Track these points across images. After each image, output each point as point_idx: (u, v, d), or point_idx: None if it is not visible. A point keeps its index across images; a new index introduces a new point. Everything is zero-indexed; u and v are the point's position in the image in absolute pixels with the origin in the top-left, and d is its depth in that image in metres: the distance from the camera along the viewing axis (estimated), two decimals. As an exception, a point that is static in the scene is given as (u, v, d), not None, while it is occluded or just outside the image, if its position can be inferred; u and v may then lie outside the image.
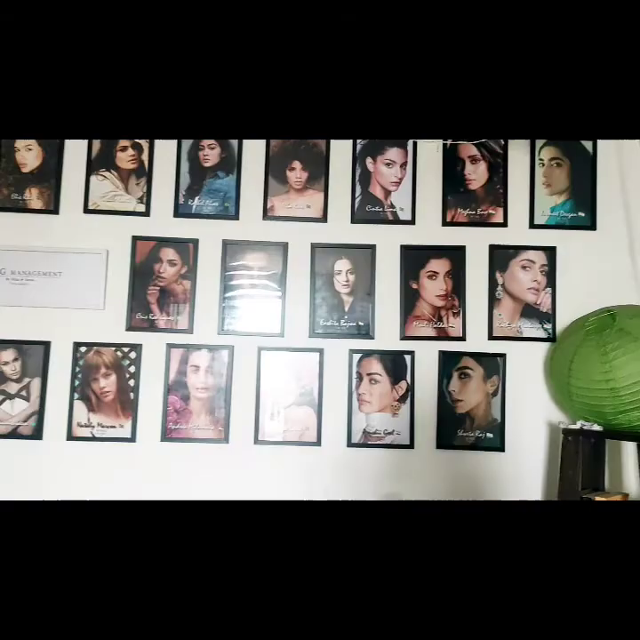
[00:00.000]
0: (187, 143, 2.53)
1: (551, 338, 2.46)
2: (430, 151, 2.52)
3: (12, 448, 2.39)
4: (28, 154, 2.50)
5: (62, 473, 2.39)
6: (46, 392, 2.41)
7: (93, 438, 2.41)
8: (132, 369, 2.45)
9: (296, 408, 2.44)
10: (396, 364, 2.45)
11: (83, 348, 2.44)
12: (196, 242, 2.50)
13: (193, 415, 2.43)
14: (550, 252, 2.51)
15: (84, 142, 2.49)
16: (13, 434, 2.39)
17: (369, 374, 2.45)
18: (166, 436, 2.41)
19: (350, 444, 2.42)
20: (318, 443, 2.42)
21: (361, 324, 2.47)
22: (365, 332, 2.46)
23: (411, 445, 2.42)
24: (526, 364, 2.46)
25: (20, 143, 2.50)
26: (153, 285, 2.48)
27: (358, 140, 2.54)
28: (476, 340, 2.45)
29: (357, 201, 2.53)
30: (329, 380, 2.45)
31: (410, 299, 2.48)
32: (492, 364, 2.44)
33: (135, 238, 2.48)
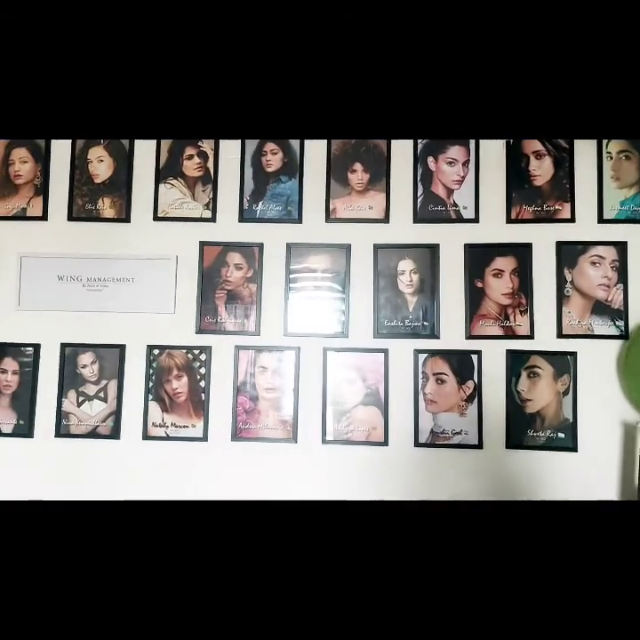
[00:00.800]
0: (250, 149, 2.54)
1: (624, 335, 2.34)
2: (493, 148, 2.47)
3: (92, 447, 2.46)
4: (100, 165, 2.57)
5: (139, 471, 2.45)
6: (123, 393, 2.48)
7: (167, 438, 2.47)
8: (203, 370, 2.49)
9: (362, 408, 2.43)
10: (463, 364, 2.40)
11: (156, 351, 2.50)
12: (260, 246, 2.51)
13: (262, 415, 2.45)
14: (621, 247, 2.39)
15: (153, 152, 2.54)
16: (93, 433, 2.47)
17: (435, 374, 2.41)
18: (237, 435, 2.45)
19: (417, 444, 2.38)
20: (385, 443, 2.40)
21: (426, 323, 2.43)
22: (430, 332, 2.42)
23: (479, 445, 2.36)
24: (598, 363, 2.35)
25: (92, 155, 2.57)
26: (220, 289, 2.51)
27: (419, 140, 2.50)
28: (545, 339, 2.37)
29: (419, 200, 2.48)
30: (394, 380, 2.42)
31: (475, 297, 2.43)
32: (562, 363, 2.36)
33: (202, 243, 2.52)
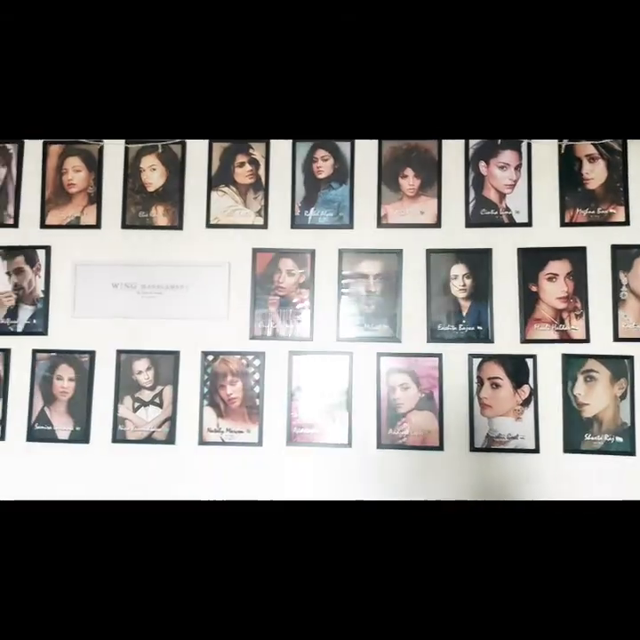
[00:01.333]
0: (301, 156, 2.53)
1: (682, 338, 2.33)
2: (546, 152, 2.44)
3: (148, 452, 2.46)
4: (153, 174, 2.57)
5: (195, 476, 2.44)
6: (178, 399, 2.49)
7: (223, 443, 2.46)
8: (257, 376, 2.48)
9: (417, 413, 2.41)
10: (518, 368, 2.37)
11: (210, 357, 2.49)
12: (312, 252, 2.50)
13: (317, 420, 2.45)
14: (676, 249, 2.37)
15: (205, 160, 2.54)
16: (149, 439, 2.48)
17: (490, 378, 2.38)
18: (291, 440, 2.45)
19: (473, 449, 2.35)
20: (441, 447, 2.37)
21: (479, 328, 2.41)
22: (485, 337, 2.40)
23: (536, 450, 2.33)
24: (657, 366, 2.34)
25: (145, 163, 2.57)
26: (273, 295, 2.50)
27: (471, 144, 2.48)
28: (601, 343, 2.33)
29: (471, 205, 2.45)
30: (449, 385, 2.38)
31: (529, 301, 2.39)
32: (619, 367, 2.32)
33: (255, 250, 2.51)
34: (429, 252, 2.43)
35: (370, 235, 2.48)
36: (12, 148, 2.59)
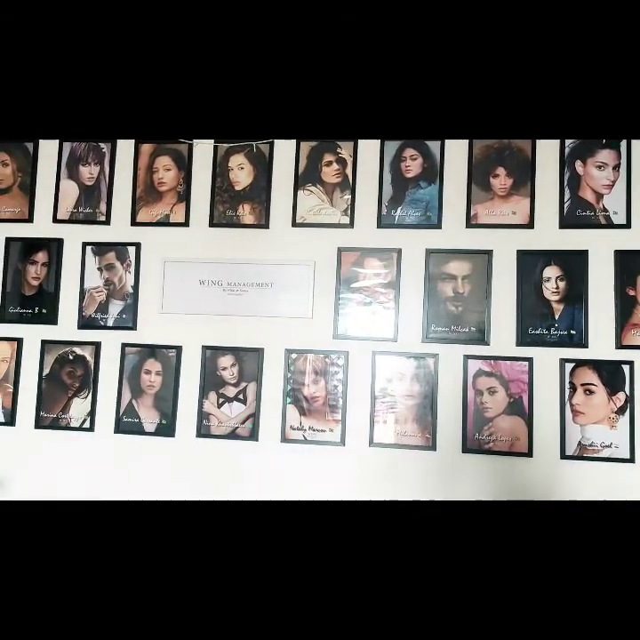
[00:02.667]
0: (389, 155, 2.45)
1: None
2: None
3: (232, 448, 2.42)
4: (241, 172, 2.54)
5: (277, 473, 2.39)
6: (261, 396, 2.46)
7: (305, 441, 2.40)
8: (340, 375, 2.43)
9: (505, 417, 2.30)
10: (613, 375, 2.22)
11: (293, 355, 2.45)
12: (399, 251, 2.41)
13: (400, 421, 2.36)
14: None
15: (292, 159, 2.49)
16: (232, 434, 2.44)
17: (583, 385, 2.25)
18: (374, 441, 2.38)
19: (564, 456, 2.23)
20: (530, 454, 2.24)
21: (573, 332, 2.28)
22: (578, 341, 2.26)
23: (631, 459, 2.19)
24: None
25: (233, 162, 2.54)
26: (358, 294, 2.43)
27: (567, 143, 2.35)
28: None
29: (566, 205, 2.31)
30: (539, 390, 2.26)
31: (626, 305, 2.24)
32: None
33: (340, 249, 2.45)
34: (521, 253, 2.32)
35: (459, 235, 2.37)
36: (105, 147, 2.60)
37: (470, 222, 2.36)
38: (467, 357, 2.31)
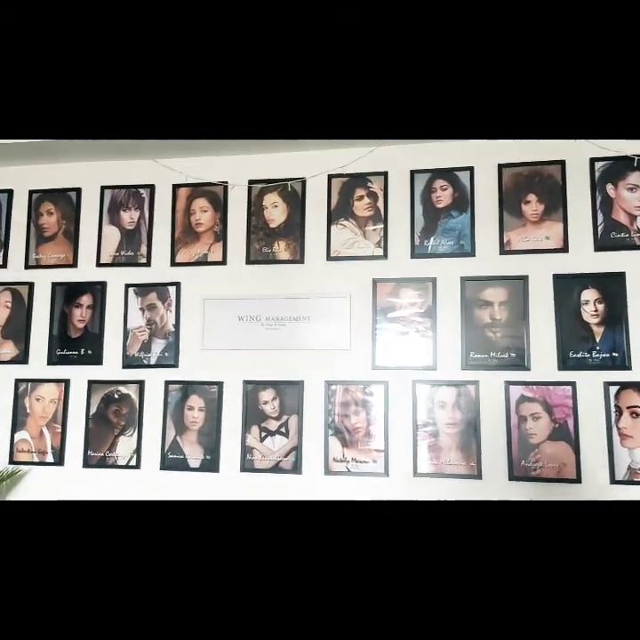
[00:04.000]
0: (419, 187, 2.42)
1: None
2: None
3: (275, 482, 2.38)
4: (275, 210, 2.55)
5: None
6: (303, 428, 2.42)
7: (348, 473, 2.35)
8: (381, 406, 2.38)
9: (550, 443, 2.22)
10: (660, 396, 2.17)
11: (333, 387, 2.42)
12: (434, 280, 2.39)
13: (443, 451, 2.30)
14: None
15: (324, 196, 2.48)
16: (276, 468, 2.40)
17: (629, 407, 2.15)
18: (418, 471, 2.31)
19: (614, 481, 2.13)
20: (578, 479, 2.16)
21: (615, 354, 2.20)
22: (621, 364, 2.18)
23: (685, 483, 2.11)
24: None
25: (267, 201, 2.54)
26: (395, 324, 2.41)
27: (597, 167, 2.31)
28: None
29: (600, 228, 2.26)
30: (584, 414, 2.18)
31: (669, 326, 2.20)
32: None
33: (375, 280, 2.43)
34: (557, 277, 2.27)
35: (493, 262, 2.33)
36: (144, 192, 2.65)
37: (504, 249, 2.32)
38: (508, 383, 2.25)
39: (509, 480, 2.20)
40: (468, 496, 2.21)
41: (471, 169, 2.38)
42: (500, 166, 2.36)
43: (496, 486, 2.20)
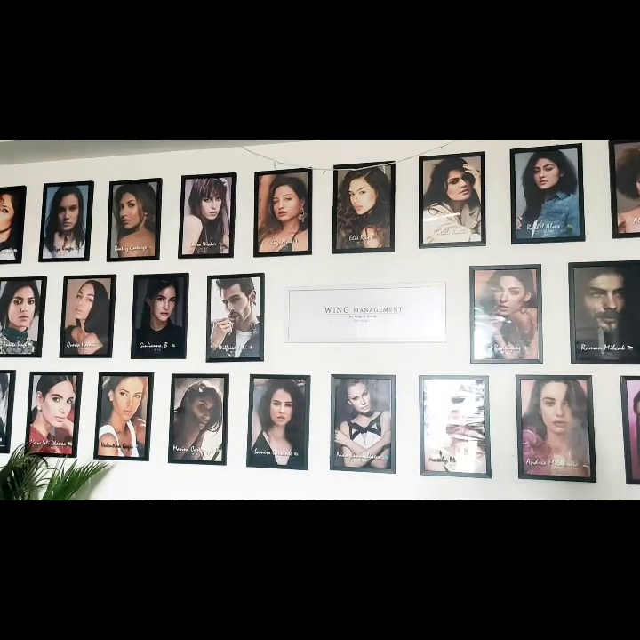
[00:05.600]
0: (520, 168, 2.22)
1: None
2: None
3: (368, 480, 2.23)
4: (362, 196, 2.36)
5: (417, 507, 2.21)
6: (396, 425, 2.26)
7: (446, 473, 2.18)
8: (481, 402, 2.20)
9: (676, 444, 2.00)
10: None
11: (427, 381, 2.25)
12: (538, 267, 2.16)
13: (552, 451, 2.10)
14: None
15: (415, 179, 2.31)
16: (368, 466, 2.24)
17: None
18: (524, 472, 2.12)
19: None
20: None
21: None
22: None
23: None
24: None
25: (353, 187, 2.37)
26: (495, 315, 2.22)
27: None
28: None
29: None
30: None
31: None
32: None
33: (473, 268, 2.23)
34: (678, 262, 2.05)
35: (605, 246, 2.10)
36: (225, 181, 2.53)
37: (617, 232, 2.08)
38: (625, 379, 2.03)
39: (628, 483, 1.98)
40: (579, 498, 2.01)
41: (579, 146, 2.15)
42: (612, 143, 2.13)
43: (612, 489, 1.98)
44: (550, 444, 2.05)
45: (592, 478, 2.00)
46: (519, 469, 2.07)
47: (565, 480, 2.02)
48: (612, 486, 1.98)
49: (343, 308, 2.32)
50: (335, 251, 2.35)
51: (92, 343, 2.56)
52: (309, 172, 2.41)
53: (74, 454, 2.51)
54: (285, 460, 2.30)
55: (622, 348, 2.02)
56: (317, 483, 2.24)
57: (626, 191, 2.09)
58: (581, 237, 2.11)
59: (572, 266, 2.10)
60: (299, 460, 2.28)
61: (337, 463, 2.24)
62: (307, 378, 2.31)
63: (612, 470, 1.99)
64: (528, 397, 2.09)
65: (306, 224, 2.39)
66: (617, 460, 1.99)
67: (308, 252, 2.38)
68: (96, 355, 2.54)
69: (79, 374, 2.55)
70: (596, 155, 2.13)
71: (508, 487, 2.07)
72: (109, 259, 2.59)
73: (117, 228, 2.60)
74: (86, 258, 2.62)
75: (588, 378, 2.04)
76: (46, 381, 2.59)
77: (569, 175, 2.15)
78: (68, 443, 2.52)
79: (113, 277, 2.57)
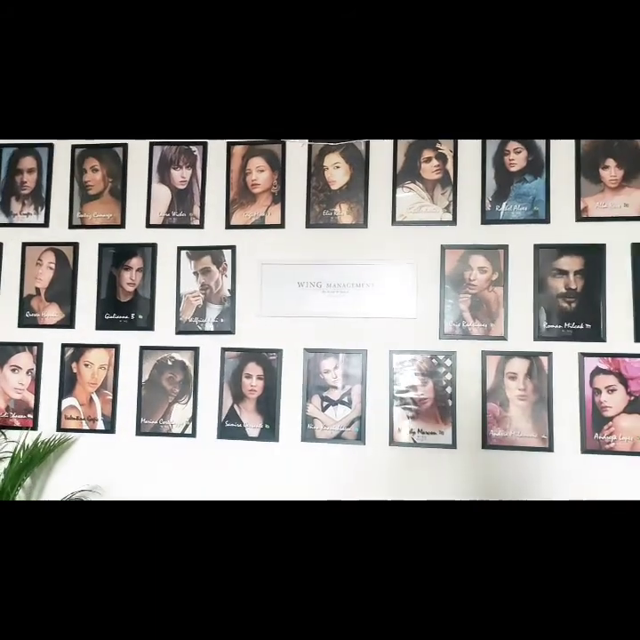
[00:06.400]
0: (491, 150, 2.25)
1: None
2: None
3: (338, 452, 2.26)
4: (337, 171, 2.35)
5: (385, 476, 2.24)
6: (367, 398, 2.30)
7: (414, 444, 2.25)
8: (449, 376, 2.26)
9: (626, 416, 2.12)
10: None
11: (398, 356, 2.29)
12: (505, 247, 2.23)
13: (513, 423, 2.19)
14: None
15: (390, 157, 2.31)
16: (338, 438, 2.27)
17: None
18: (487, 443, 2.21)
19: (692, 456, 2.08)
20: (654, 453, 2.10)
21: (696, 326, 2.11)
22: (702, 336, 2.09)
23: None
24: None
25: (328, 162, 2.36)
26: (464, 293, 2.27)
27: (682, 131, 2.17)
28: None
29: (683, 196, 2.16)
30: (662, 387, 2.12)
31: None
32: None
33: (444, 247, 2.28)
34: (635, 245, 2.13)
35: (568, 229, 2.17)
36: (196, 149, 2.44)
37: (580, 216, 2.17)
38: (582, 355, 2.14)
39: (582, 453, 2.10)
40: (539, 469, 2.11)
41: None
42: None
43: (568, 459, 2.10)
44: (512, 416, 2.15)
45: (550, 448, 2.11)
46: (482, 440, 2.16)
47: (525, 450, 2.13)
48: (568, 456, 2.10)
49: (316, 283, 2.31)
50: (309, 225, 2.32)
51: (53, 313, 2.44)
52: (283, 144, 2.37)
53: (35, 427, 2.41)
54: (256, 432, 2.30)
55: (581, 327, 2.13)
56: (288, 454, 2.26)
57: (589, 177, 2.17)
58: (547, 220, 2.18)
59: (537, 247, 2.18)
60: (270, 433, 2.28)
61: (308, 435, 2.26)
62: (279, 351, 2.31)
63: (568, 441, 2.10)
64: (493, 372, 2.17)
65: (279, 197, 2.35)
66: (573, 431, 2.11)
67: (282, 225, 2.34)
68: (58, 325, 2.43)
69: (39, 345, 2.44)
70: (563, 141, 2.20)
71: (472, 457, 2.16)
72: (71, 226, 2.46)
73: (80, 194, 2.47)
74: (46, 224, 2.48)
75: (548, 354, 2.14)
76: (3, 352, 2.46)
77: (537, 159, 2.21)
78: (29, 415, 2.42)
79: (75, 245, 2.45)
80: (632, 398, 2.07)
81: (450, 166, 2.26)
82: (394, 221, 2.28)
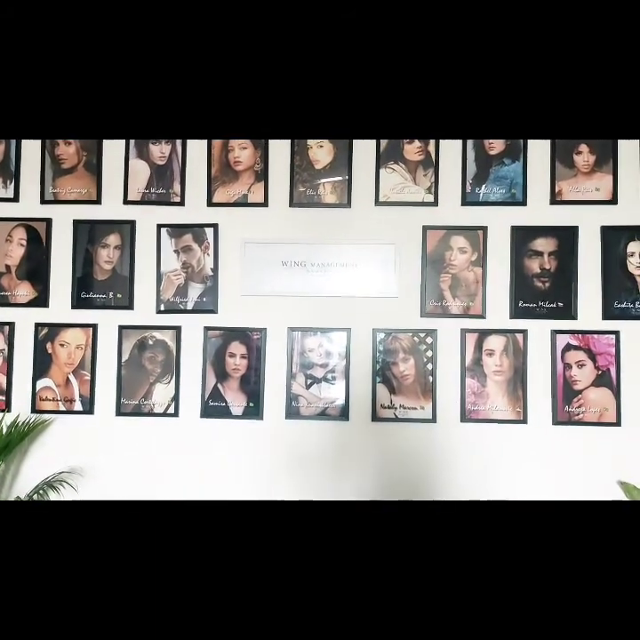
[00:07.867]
0: (471, 132, 2.32)
1: None
2: None
3: (323, 428, 2.28)
4: (320, 151, 2.31)
5: (367, 452, 2.25)
6: (350, 375, 2.31)
7: (396, 419, 2.28)
8: (429, 353, 2.30)
9: (594, 389, 2.22)
10: (698, 345, 2.19)
11: (381, 334, 2.31)
12: (485, 229, 2.28)
13: (491, 397, 2.27)
14: None
15: (373, 140, 2.33)
16: (322, 414, 2.28)
17: (670, 356, 2.21)
18: (466, 417, 2.28)
19: (653, 425, 2.20)
20: (618, 423, 2.18)
21: (658, 305, 2.22)
22: (664, 314, 2.21)
23: None
24: None
25: (312, 141, 2.35)
26: (445, 273, 2.31)
27: (649, 120, 2.25)
28: None
29: (649, 182, 2.25)
30: (627, 362, 2.18)
31: None
32: None
33: (425, 228, 2.29)
34: (605, 228, 2.22)
35: (543, 211, 2.24)
36: (175, 124, 2.36)
37: (555, 199, 2.24)
38: (555, 332, 2.22)
39: (553, 424, 2.19)
40: (514, 440, 2.19)
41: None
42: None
43: (541, 431, 2.19)
44: (489, 390, 2.22)
45: (524, 420, 2.19)
46: (461, 414, 2.23)
47: (501, 422, 2.21)
48: (541, 427, 2.18)
49: (300, 263, 2.28)
50: (292, 204, 2.29)
51: (25, 291, 2.32)
52: (265, 121, 2.31)
53: (8, 409, 2.30)
54: (240, 410, 2.28)
55: (554, 305, 2.21)
56: (272, 431, 2.25)
57: (564, 162, 2.23)
58: (523, 202, 2.23)
59: (514, 228, 2.23)
60: (254, 410, 2.27)
61: (292, 412, 2.26)
62: (262, 330, 2.28)
63: (541, 413, 2.19)
64: (471, 349, 2.23)
65: (262, 175, 2.30)
66: (545, 404, 2.20)
67: (265, 204, 2.30)
68: (30, 304, 2.31)
69: (11, 324, 2.32)
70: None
71: (452, 430, 2.22)
72: (43, 201, 2.33)
73: (52, 168, 2.34)
74: (16, 199, 2.33)
75: (524, 331, 2.21)
76: (-29, 332, 2.34)
77: (515, 143, 2.25)
78: (1, 397, 2.31)
79: (48, 221, 2.32)
80: (599, 372, 2.17)
81: (432, 148, 2.27)
82: (377, 202, 2.27)
